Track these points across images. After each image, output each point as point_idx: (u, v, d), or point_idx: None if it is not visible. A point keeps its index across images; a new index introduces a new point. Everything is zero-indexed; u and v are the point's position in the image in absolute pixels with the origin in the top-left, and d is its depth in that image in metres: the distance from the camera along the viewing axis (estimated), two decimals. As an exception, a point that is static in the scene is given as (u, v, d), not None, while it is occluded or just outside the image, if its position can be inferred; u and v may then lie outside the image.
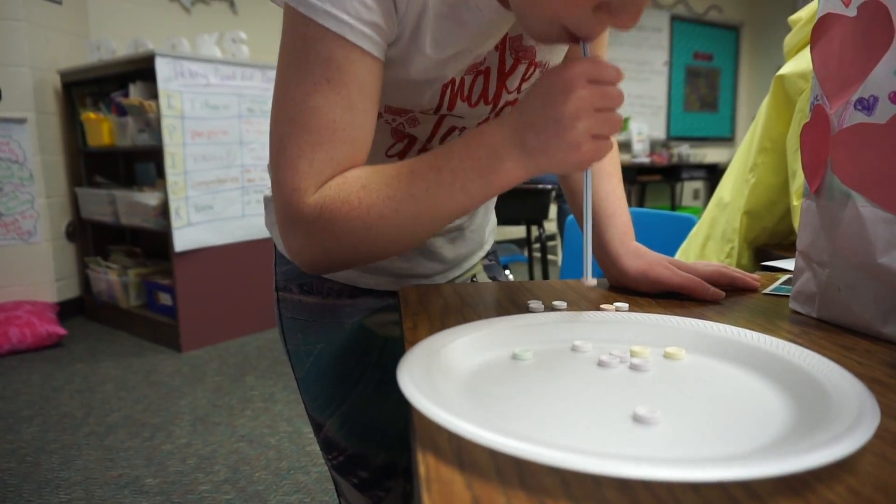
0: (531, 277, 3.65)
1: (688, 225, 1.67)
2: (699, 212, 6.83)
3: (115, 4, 3.62)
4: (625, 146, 6.36)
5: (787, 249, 1.09)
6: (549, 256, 3.73)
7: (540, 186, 2.75)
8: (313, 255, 0.55)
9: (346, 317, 0.80)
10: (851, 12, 0.49)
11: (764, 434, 0.32)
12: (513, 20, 0.58)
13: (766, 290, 0.69)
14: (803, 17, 1.00)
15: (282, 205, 0.54)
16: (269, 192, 0.80)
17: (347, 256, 0.56)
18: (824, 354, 0.47)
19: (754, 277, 0.70)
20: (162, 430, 2.04)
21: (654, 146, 6.52)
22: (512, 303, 0.63)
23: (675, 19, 6.59)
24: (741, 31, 7.17)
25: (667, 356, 0.45)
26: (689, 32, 6.77)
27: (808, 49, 1.02)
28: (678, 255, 1.26)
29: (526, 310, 0.59)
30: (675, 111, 6.84)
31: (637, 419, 0.33)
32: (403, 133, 0.67)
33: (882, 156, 0.48)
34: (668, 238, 1.65)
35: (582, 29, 0.49)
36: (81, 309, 3.35)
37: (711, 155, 6.96)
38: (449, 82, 0.62)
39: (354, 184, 0.52)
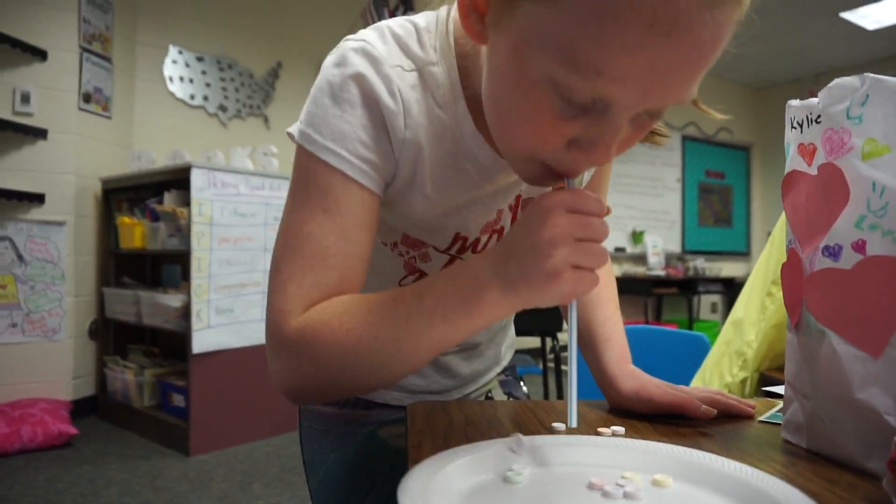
0: (545, 388, 3.60)
1: (698, 343, 1.69)
2: (717, 325, 6.77)
3: (158, 119, 3.92)
4: (640, 259, 6.44)
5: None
6: (563, 367, 3.70)
7: (553, 298, 2.78)
8: (293, 379, 0.55)
9: (360, 427, 0.82)
10: (813, 171, 0.56)
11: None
12: (506, 167, 0.61)
13: (762, 418, 0.71)
14: None
15: (269, 326, 0.56)
16: None
17: (325, 384, 0.55)
18: (808, 488, 0.49)
19: (749, 404, 0.72)
20: (163, 539, 1.99)
21: (669, 259, 6.60)
22: (514, 423, 0.66)
23: (686, 139, 6.88)
24: (751, 152, 7.44)
25: (654, 483, 0.48)
26: (701, 152, 7.04)
27: None
28: (696, 377, 1.28)
29: (525, 430, 0.62)
30: (690, 225, 6.98)
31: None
32: (415, 267, 0.71)
33: (850, 298, 0.53)
34: (679, 356, 1.66)
35: (559, 165, 0.50)
36: (95, 407, 3.36)
37: (728, 269, 7.01)
38: (463, 237, 0.67)
39: (338, 308, 0.53)
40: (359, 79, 0.56)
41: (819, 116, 0.55)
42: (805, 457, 0.57)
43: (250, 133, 4.31)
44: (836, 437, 0.55)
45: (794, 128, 0.58)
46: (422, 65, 0.59)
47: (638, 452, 0.52)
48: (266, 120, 4.43)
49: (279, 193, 3.16)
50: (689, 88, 0.44)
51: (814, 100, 0.56)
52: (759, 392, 1.13)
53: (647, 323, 5.98)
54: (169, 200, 3.02)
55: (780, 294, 1.10)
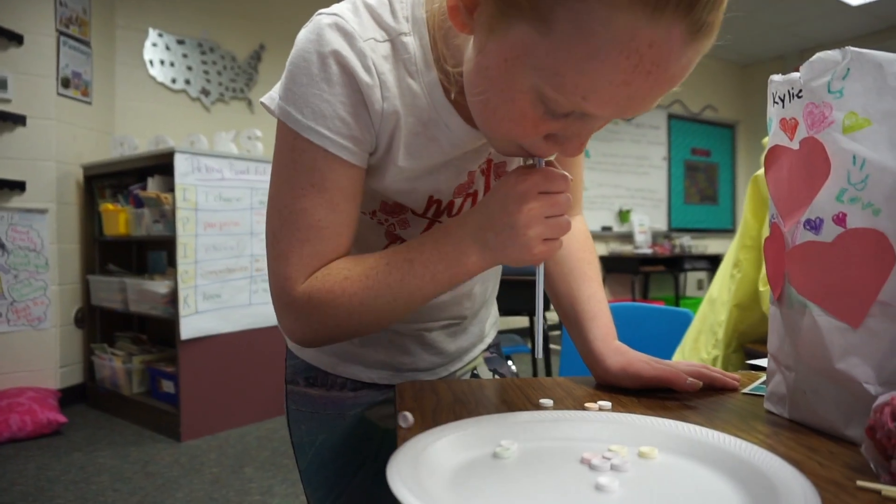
0: (534, 367, 3.64)
1: (684, 319, 1.71)
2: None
3: (140, 104, 3.86)
4: (627, 237, 6.48)
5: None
6: (552, 346, 3.74)
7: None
8: (304, 333, 0.64)
9: (347, 409, 0.83)
10: (795, 146, 0.56)
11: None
12: (482, 138, 0.64)
13: (745, 390, 0.72)
14: None
15: (275, 291, 0.62)
16: None
17: (333, 334, 0.64)
18: (790, 455, 0.50)
19: (733, 377, 0.73)
20: (156, 524, 2.00)
21: (656, 237, 6.64)
22: (502, 400, 0.67)
23: (671, 117, 6.89)
24: (736, 129, 7.47)
25: (641, 455, 0.48)
26: (686, 130, 7.06)
27: None
28: (676, 352, 1.30)
29: (513, 407, 0.63)
30: (676, 203, 7.02)
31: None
32: (395, 235, 0.73)
33: (831, 270, 0.54)
34: (665, 332, 1.68)
35: (534, 150, 0.56)
36: (83, 395, 3.35)
37: (714, 246, 7.08)
38: (437, 200, 0.68)
39: (338, 275, 0.60)
40: (335, 56, 0.57)
41: (800, 91, 0.55)
42: (787, 426, 0.58)
43: (234, 117, 4.27)
44: (817, 406, 0.56)
45: (777, 102, 0.58)
46: (394, 35, 0.60)
47: (624, 426, 0.53)
48: (250, 103, 4.38)
49: (264, 177, 3.13)
50: (656, 102, 0.48)
51: (795, 74, 0.56)
52: (742, 366, 1.14)
53: (633, 300, 6.04)
54: (153, 186, 2.99)
55: (740, 276, 1.12)
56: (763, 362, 0.91)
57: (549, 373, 3.23)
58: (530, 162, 0.59)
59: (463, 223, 0.60)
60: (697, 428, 0.51)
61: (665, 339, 1.66)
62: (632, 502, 0.40)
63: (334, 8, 0.60)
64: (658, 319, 1.72)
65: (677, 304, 6.35)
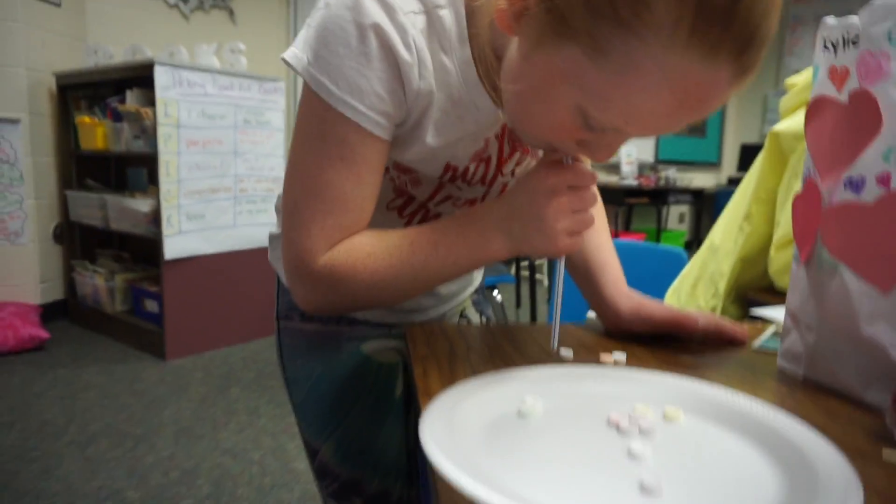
0: (517, 297, 3.69)
1: (675, 259, 1.71)
2: (684, 235, 6.92)
3: (113, 9, 3.63)
4: (614, 168, 6.44)
5: (767, 293, 1.13)
6: (537, 275, 3.77)
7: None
8: (318, 303, 0.63)
9: (343, 342, 0.83)
10: (843, 98, 0.53)
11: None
12: (502, 116, 0.64)
13: (756, 345, 0.72)
14: (799, 82, 1.06)
15: (293, 260, 0.61)
16: (274, 230, 0.83)
17: (348, 306, 0.66)
18: (811, 419, 0.50)
19: (742, 330, 0.73)
20: (144, 441, 2.03)
21: (642, 169, 6.61)
22: (515, 348, 0.66)
23: (666, 46, 6.71)
24: (730, 61, 7.30)
25: (666, 417, 0.48)
26: (680, 60, 6.89)
27: (802, 110, 1.07)
28: (669, 293, 1.30)
29: (529, 357, 0.62)
30: (664, 135, 6.95)
31: (644, 489, 0.36)
32: (405, 191, 0.72)
33: (868, 233, 0.52)
34: (653, 271, 1.69)
35: (565, 151, 0.57)
36: (65, 312, 3.32)
37: (698, 179, 7.08)
38: (453, 167, 0.67)
39: (360, 251, 0.60)
40: (376, 29, 0.54)
41: (857, 37, 0.52)
42: (802, 385, 0.58)
43: (214, 27, 4.05)
44: (836, 368, 0.56)
45: (827, 48, 0.55)
46: (430, 7, 0.57)
47: (648, 385, 0.52)
48: (231, 13, 4.15)
49: (249, 94, 3.00)
50: None
51: (853, 18, 0.52)
52: (743, 313, 1.15)
53: (616, 233, 6.08)
54: (132, 99, 2.86)
55: (750, 229, 1.11)
56: (767, 311, 0.91)
57: (532, 301, 3.27)
58: (557, 156, 0.59)
59: (489, 211, 0.60)
60: (720, 389, 0.51)
61: (653, 278, 1.67)
62: (667, 470, 0.39)
63: None
64: (650, 258, 1.72)
65: (658, 237, 6.41)
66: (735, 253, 1.12)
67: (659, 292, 1.63)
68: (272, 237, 0.84)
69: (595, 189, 0.60)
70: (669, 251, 1.71)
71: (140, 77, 2.72)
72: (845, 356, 0.55)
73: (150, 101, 2.68)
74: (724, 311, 1.15)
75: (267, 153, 3.15)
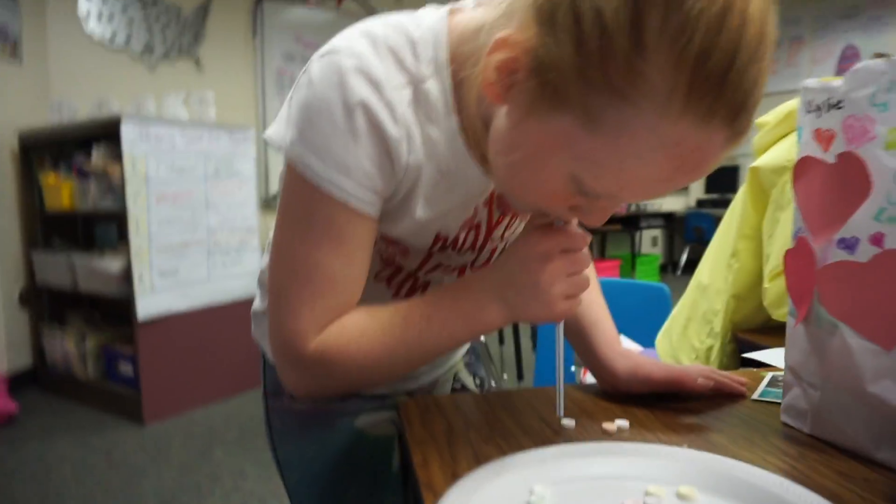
0: (501, 341, 3.65)
1: (656, 294, 1.72)
2: (657, 259, 7.00)
3: (78, 63, 3.59)
4: (585, 197, 6.51)
5: (760, 332, 1.13)
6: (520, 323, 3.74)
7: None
8: (311, 388, 0.61)
9: (336, 419, 0.80)
10: (830, 158, 0.53)
11: None
12: (492, 184, 0.63)
13: (755, 396, 0.71)
14: (770, 121, 1.08)
15: (282, 345, 0.59)
16: (257, 307, 0.81)
17: (343, 388, 0.62)
18: (825, 485, 0.49)
19: (740, 381, 0.72)
20: (124, 514, 1.94)
21: (612, 196, 6.69)
22: (516, 422, 0.64)
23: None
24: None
25: (680, 496, 0.46)
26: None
27: (778, 145, 1.09)
28: (660, 336, 1.30)
29: (529, 430, 0.60)
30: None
31: None
32: (393, 262, 0.70)
33: (866, 292, 0.52)
34: (635, 308, 1.69)
35: (557, 216, 0.57)
36: (34, 380, 3.19)
37: (668, 203, 7.20)
38: (443, 237, 0.66)
39: (353, 331, 0.58)
40: (364, 107, 0.53)
41: (840, 101, 0.52)
42: (811, 446, 0.57)
43: (181, 77, 4.03)
44: (844, 426, 0.55)
45: (811, 111, 0.55)
46: (417, 81, 0.56)
47: (660, 460, 0.51)
48: (198, 62, 4.14)
49: (218, 145, 2.98)
50: None
51: (835, 82, 0.53)
52: (734, 356, 1.15)
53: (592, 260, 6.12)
54: (98, 156, 2.80)
55: (738, 266, 1.11)
56: (760, 356, 0.91)
57: (517, 347, 3.21)
58: (548, 219, 0.58)
59: (482, 280, 0.59)
60: (735, 463, 0.49)
61: (638, 316, 1.66)
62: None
63: (353, 45, 0.54)
64: (632, 294, 1.72)
65: (633, 263, 6.48)
66: (726, 291, 1.13)
67: (641, 328, 1.63)
68: (256, 314, 0.81)
69: (588, 253, 0.59)
70: (650, 287, 1.72)
71: (107, 132, 2.68)
72: (853, 414, 0.54)
73: (118, 156, 2.62)
74: (721, 352, 1.14)
75: (239, 203, 3.12)
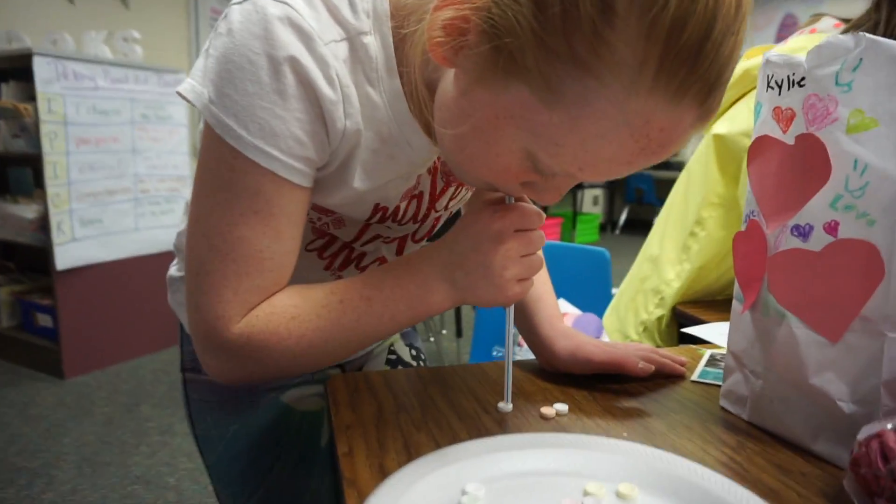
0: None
1: (598, 258, 1.72)
2: (598, 217, 7.13)
3: (-16, -11, 3.25)
4: (530, 155, 6.52)
5: (700, 306, 1.13)
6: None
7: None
8: (234, 375, 0.54)
9: (261, 394, 0.75)
10: (789, 140, 0.50)
11: None
12: (438, 152, 0.58)
13: (694, 377, 0.70)
14: None
15: (203, 329, 0.52)
16: (173, 272, 0.74)
17: (271, 375, 0.55)
18: (764, 481, 0.48)
19: (680, 361, 0.71)
20: (42, 475, 1.84)
21: (557, 155, 6.73)
22: (449, 403, 0.60)
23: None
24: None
25: (620, 496, 0.44)
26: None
27: (741, 105, 1.06)
28: (607, 313, 1.28)
29: (462, 413, 0.57)
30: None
31: None
32: (326, 232, 0.64)
33: (816, 282, 0.50)
34: (576, 272, 1.69)
35: (508, 192, 0.52)
36: (-57, 330, 2.98)
37: (610, 164, 7.29)
38: (383, 207, 0.60)
39: (283, 314, 0.52)
40: (292, 63, 0.46)
41: (803, 79, 0.49)
42: (750, 435, 0.56)
43: (104, 13, 3.71)
44: (784, 416, 0.54)
45: (772, 88, 0.52)
46: (353, 34, 0.49)
47: (598, 455, 0.48)
48: (123, -4, 3.82)
49: (146, 87, 2.78)
50: None
51: (799, 57, 0.49)
52: (672, 328, 1.15)
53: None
54: (7, 93, 2.56)
55: (704, 234, 1.09)
56: (699, 331, 0.90)
57: (458, 319, 3.19)
58: (498, 195, 0.53)
59: (429, 259, 0.54)
60: (676, 459, 0.47)
61: (583, 280, 1.67)
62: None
63: None
64: (574, 259, 1.72)
65: (574, 220, 6.58)
66: (685, 261, 1.10)
67: (581, 292, 1.63)
68: (172, 279, 0.74)
69: (543, 232, 0.55)
70: (591, 251, 1.72)
71: (17, 68, 2.45)
72: (793, 405, 0.53)
73: (31, 96, 2.41)
74: (671, 320, 1.13)
75: (170, 150, 2.94)
